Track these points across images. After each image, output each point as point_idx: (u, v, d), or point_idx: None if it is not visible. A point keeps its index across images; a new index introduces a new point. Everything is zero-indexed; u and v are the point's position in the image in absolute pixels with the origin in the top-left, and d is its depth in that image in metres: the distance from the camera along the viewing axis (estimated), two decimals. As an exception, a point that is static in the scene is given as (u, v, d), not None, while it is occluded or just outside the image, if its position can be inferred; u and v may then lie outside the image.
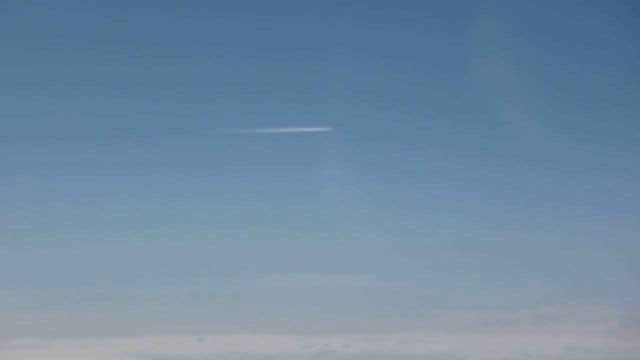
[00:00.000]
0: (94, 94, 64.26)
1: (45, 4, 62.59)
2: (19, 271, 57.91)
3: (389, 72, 64.11)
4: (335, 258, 59.64)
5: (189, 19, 63.98)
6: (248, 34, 64.44)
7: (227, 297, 59.10)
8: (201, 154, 62.45)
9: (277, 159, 62.13)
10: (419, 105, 64.36)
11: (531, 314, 59.58)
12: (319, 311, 58.58)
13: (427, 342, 57.69)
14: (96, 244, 59.90)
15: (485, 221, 62.87)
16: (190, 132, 62.58)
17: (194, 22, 64.00)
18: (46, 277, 58.02)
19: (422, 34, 64.54)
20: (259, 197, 62.51)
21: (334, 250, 59.76)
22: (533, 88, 61.00)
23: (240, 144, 61.77)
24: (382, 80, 64.12)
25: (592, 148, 62.05)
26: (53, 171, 62.51)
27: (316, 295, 58.98)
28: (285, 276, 59.45)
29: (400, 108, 63.96)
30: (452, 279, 59.52)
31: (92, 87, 64.58)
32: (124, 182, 62.73)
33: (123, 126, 64.07)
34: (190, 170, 62.53)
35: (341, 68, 60.49)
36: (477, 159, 63.56)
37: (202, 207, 62.38)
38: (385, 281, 59.00)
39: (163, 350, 56.46)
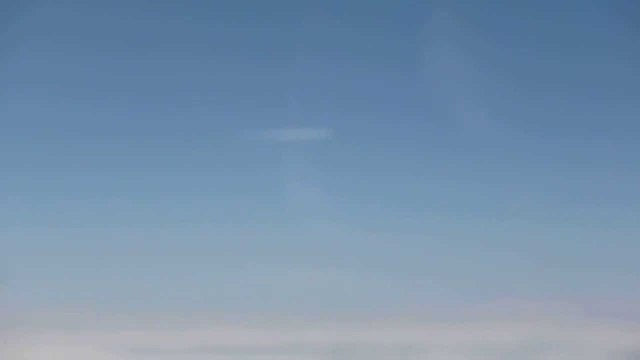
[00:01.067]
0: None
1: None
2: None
3: (348, 73, 66.22)
4: (306, 253, 61.58)
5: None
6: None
7: (202, 291, 60.31)
8: (189, 155, 63.28)
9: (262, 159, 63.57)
10: (381, 105, 66.72)
11: (482, 307, 62.76)
12: (293, 305, 60.39)
13: (386, 334, 60.12)
14: (70, 238, 60.28)
15: (441, 214, 65.75)
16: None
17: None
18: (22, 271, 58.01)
19: (379, 34, 66.78)
20: (235, 194, 63.82)
21: (305, 246, 61.69)
22: (492, 84, 64.39)
23: (230, 145, 62.98)
24: (344, 81, 66.22)
25: (549, 142, 65.69)
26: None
27: (290, 289, 60.77)
28: (260, 271, 61.03)
29: (362, 108, 66.17)
30: (406, 274, 62.23)
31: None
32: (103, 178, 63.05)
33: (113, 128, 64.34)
34: (176, 169, 63.31)
35: (306, 71, 62.58)
36: (437, 155, 66.18)
37: (181, 203, 63.33)
38: (352, 276, 61.41)
39: (138, 343, 57.29)
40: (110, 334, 57.16)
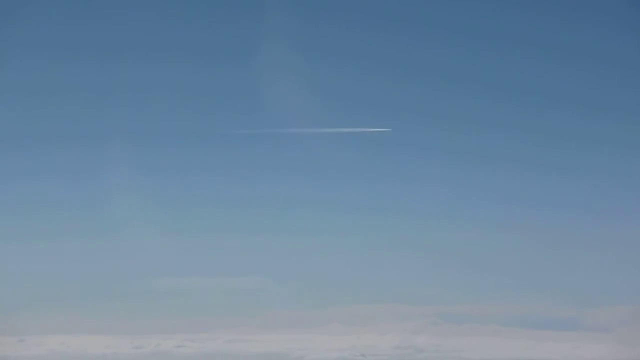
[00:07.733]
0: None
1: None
2: None
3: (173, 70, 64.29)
4: (159, 260, 58.24)
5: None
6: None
7: (52, 298, 56.37)
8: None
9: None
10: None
11: (339, 312, 60.58)
12: (150, 312, 57.24)
13: (255, 341, 57.44)
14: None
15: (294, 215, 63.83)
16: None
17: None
18: None
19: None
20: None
21: (158, 253, 58.26)
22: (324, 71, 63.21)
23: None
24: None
25: (389, 124, 64.66)
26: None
27: (148, 297, 57.54)
28: (115, 278, 57.74)
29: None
30: (262, 279, 59.80)
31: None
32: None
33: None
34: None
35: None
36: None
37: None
38: (209, 282, 58.57)
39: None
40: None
